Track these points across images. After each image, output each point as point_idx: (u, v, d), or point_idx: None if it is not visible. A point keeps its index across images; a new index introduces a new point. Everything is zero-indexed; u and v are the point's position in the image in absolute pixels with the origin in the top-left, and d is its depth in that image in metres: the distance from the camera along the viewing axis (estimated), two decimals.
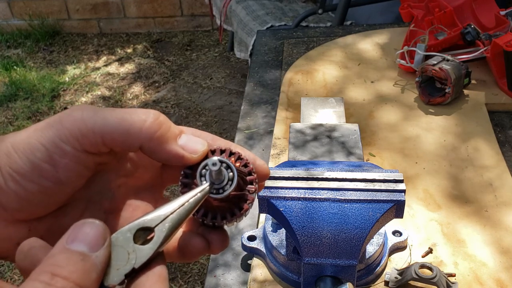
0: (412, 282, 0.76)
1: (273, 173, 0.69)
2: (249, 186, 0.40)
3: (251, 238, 0.81)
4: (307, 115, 1.07)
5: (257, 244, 0.81)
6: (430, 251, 0.82)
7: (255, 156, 0.42)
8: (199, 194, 0.38)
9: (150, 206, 0.44)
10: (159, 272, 0.35)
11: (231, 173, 0.39)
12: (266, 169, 0.42)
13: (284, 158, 1.01)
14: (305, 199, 0.66)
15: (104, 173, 0.42)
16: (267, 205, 0.68)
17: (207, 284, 0.82)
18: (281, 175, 0.69)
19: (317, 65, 1.35)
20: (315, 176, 0.69)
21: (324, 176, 0.69)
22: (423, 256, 0.82)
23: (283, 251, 0.76)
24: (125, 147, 0.38)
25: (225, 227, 0.42)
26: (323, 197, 0.66)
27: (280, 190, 0.67)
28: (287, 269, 0.77)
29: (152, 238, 0.35)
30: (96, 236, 0.32)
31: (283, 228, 0.77)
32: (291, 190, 0.67)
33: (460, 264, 0.80)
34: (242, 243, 0.81)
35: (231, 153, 0.41)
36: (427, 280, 0.74)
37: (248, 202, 0.40)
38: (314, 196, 0.66)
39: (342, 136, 0.97)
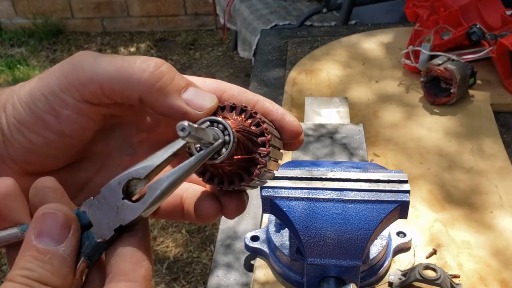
0: (416, 283, 0.76)
1: (276, 173, 0.68)
2: (260, 148, 0.35)
3: (254, 238, 0.81)
4: (311, 115, 1.06)
5: (260, 244, 0.80)
6: (434, 252, 0.82)
7: (284, 111, 0.38)
8: (192, 159, 0.34)
9: (173, 164, 0.42)
10: (140, 239, 0.34)
11: (227, 136, 0.35)
12: (296, 126, 0.38)
13: (287, 158, 1.01)
14: (308, 199, 0.66)
15: (123, 127, 0.40)
16: (270, 205, 0.67)
17: (209, 284, 0.81)
18: (284, 175, 0.68)
19: (321, 65, 1.34)
20: (318, 176, 0.68)
21: (327, 176, 0.68)
22: (427, 257, 0.81)
23: (286, 251, 0.75)
24: (125, 99, 0.36)
25: (248, 190, 0.38)
26: (326, 197, 0.66)
27: (283, 190, 0.67)
28: (290, 270, 0.76)
29: (143, 195, 0.34)
30: (59, 227, 0.32)
31: (286, 228, 0.76)
32: (294, 190, 0.66)
33: (464, 265, 0.80)
34: (245, 243, 0.81)
35: (242, 110, 0.36)
36: (431, 282, 0.74)
37: (258, 166, 0.35)
38: (318, 197, 0.66)
39: (346, 137, 0.97)
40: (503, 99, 1.16)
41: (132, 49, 3.59)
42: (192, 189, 0.40)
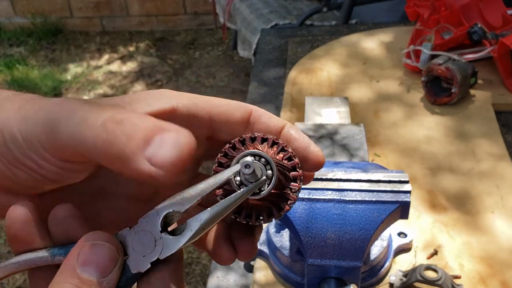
0: (417, 284, 0.75)
1: None
2: (292, 183, 0.35)
3: None
4: (311, 115, 1.06)
5: (259, 245, 0.80)
6: (435, 252, 0.81)
7: (309, 141, 0.36)
8: (239, 194, 0.33)
9: (180, 185, 0.39)
10: (174, 270, 0.33)
11: (269, 171, 0.34)
12: (320, 157, 0.36)
13: None
14: (309, 199, 0.65)
15: None
16: None
17: (209, 285, 0.81)
18: None
19: (321, 64, 1.34)
20: (319, 177, 0.68)
21: (328, 177, 0.68)
22: (428, 258, 0.81)
23: (286, 252, 0.75)
24: (98, 164, 0.32)
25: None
26: (327, 197, 0.65)
27: None
28: (290, 271, 0.76)
29: (179, 226, 0.33)
30: (109, 260, 0.31)
31: (286, 229, 0.76)
32: None
33: (465, 266, 0.79)
34: None
35: (274, 143, 0.35)
36: (432, 282, 0.73)
37: (289, 202, 0.35)
38: (318, 197, 0.65)
39: (347, 137, 0.96)
40: (504, 99, 1.16)
41: (132, 49, 3.58)
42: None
